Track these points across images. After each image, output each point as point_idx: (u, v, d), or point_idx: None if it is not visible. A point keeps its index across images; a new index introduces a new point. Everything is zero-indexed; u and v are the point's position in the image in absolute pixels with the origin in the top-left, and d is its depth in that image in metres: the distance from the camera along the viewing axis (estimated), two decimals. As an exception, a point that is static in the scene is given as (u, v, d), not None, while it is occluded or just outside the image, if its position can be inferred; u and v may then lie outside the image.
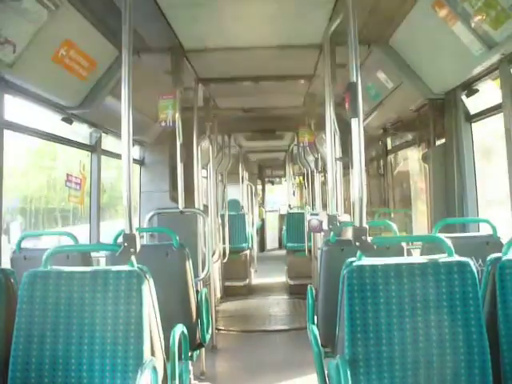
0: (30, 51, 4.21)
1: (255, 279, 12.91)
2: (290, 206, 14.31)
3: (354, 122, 3.21)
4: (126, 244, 3.09)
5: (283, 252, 17.11)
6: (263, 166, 20.93)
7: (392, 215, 8.45)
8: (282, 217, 19.94)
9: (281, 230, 19.27)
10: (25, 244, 4.84)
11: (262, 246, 19.16)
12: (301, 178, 19.14)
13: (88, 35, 4.95)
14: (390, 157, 8.76)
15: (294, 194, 15.62)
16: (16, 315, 2.95)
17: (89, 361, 2.90)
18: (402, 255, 4.50)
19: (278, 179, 23.62)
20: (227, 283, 10.79)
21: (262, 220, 20.05)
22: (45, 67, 4.63)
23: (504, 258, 2.90)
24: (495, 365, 2.79)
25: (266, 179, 22.83)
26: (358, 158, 3.15)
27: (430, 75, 5.64)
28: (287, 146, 13.78)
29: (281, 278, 12.89)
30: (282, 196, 23.62)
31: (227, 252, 10.89)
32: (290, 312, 9.63)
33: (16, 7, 3.80)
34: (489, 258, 3.04)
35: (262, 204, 21.41)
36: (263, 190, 22.34)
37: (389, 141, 8.64)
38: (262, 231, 19.64)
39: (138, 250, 3.10)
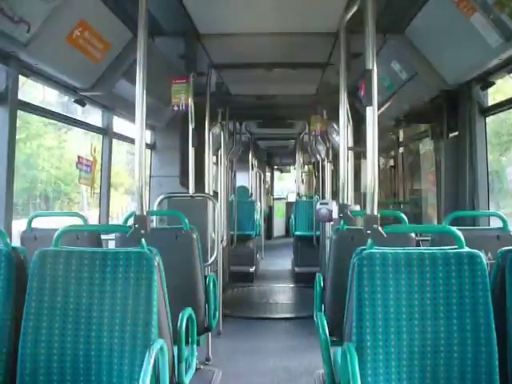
0: (44, 31, 4.20)
1: (261, 266, 12.93)
2: (298, 194, 14.30)
3: (368, 110, 3.20)
4: (136, 225, 3.10)
5: (290, 240, 17.16)
6: (272, 154, 20.91)
7: (402, 207, 8.43)
8: (289, 205, 20.00)
9: (288, 217, 19.32)
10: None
11: (268, 233, 19.17)
12: (310, 166, 19.14)
13: (103, 17, 4.93)
14: (402, 148, 8.71)
15: (302, 182, 15.58)
16: (26, 293, 2.97)
17: (97, 340, 2.92)
18: (413, 246, 4.50)
19: (286, 167, 23.64)
20: (234, 269, 10.82)
21: (270, 207, 20.05)
22: (59, 48, 4.61)
23: None
24: (502, 356, 2.79)
25: (275, 167, 22.83)
26: (372, 146, 3.14)
27: (445, 66, 5.59)
28: (297, 134, 13.74)
29: (287, 266, 12.92)
30: (290, 184, 23.69)
31: (235, 238, 10.90)
32: (296, 300, 9.66)
33: (32, -14, 3.80)
34: (499, 251, 3.03)
35: (270, 191, 21.42)
36: (272, 177, 22.34)
37: (401, 132, 8.59)
38: (269, 219, 19.64)
39: (148, 231, 3.10)
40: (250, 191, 14.13)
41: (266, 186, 20.65)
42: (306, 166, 19.39)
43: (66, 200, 9.05)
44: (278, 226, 20.49)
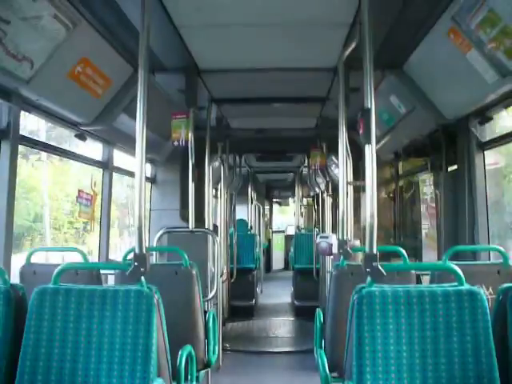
0: (46, 68, 4.26)
1: (261, 300, 12.86)
2: (298, 227, 14.29)
3: (367, 148, 3.22)
4: (136, 263, 3.10)
5: (289, 273, 17.13)
6: (271, 187, 20.96)
7: (401, 239, 8.42)
8: (288, 238, 19.98)
9: (287, 251, 19.28)
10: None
11: (267, 266, 19.09)
12: (309, 199, 19.16)
13: (104, 53, 5.00)
14: (401, 181, 8.73)
15: (302, 216, 15.58)
16: (24, 331, 2.95)
17: (95, 379, 2.90)
18: (413, 281, 4.48)
19: (285, 200, 23.64)
20: (234, 303, 10.76)
21: (269, 240, 20.00)
22: (60, 84, 4.67)
23: None
24: None
25: (274, 200, 22.84)
26: (371, 183, 3.15)
27: (443, 101, 5.64)
28: (296, 167, 13.80)
29: (287, 299, 12.85)
30: (288, 217, 23.66)
31: (235, 272, 10.87)
32: (297, 334, 9.59)
33: (35, 25, 3.85)
34: (500, 287, 3.02)
35: (268, 225, 21.39)
36: (270, 210, 22.32)
37: (400, 165, 8.62)
38: (268, 252, 19.58)
39: (148, 269, 3.10)
40: (250, 224, 14.13)
41: (265, 219, 20.62)
42: (305, 199, 19.39)
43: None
44: (277, 259, 20.42)
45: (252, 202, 14.49)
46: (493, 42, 4.08)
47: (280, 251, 20.61)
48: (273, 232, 21.04)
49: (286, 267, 19.89)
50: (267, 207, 21.66)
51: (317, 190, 11.83)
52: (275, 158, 11.92)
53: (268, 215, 21.85)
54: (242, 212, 14.40)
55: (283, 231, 21.85)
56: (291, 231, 20.35)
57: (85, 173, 7.44)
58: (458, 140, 5.83)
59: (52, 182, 8.90)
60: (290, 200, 23.00)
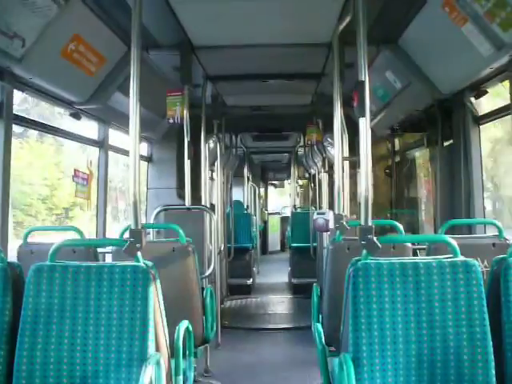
0: (39, 46, 4.22)
1: (258, 280, 12.92)
2: (295, 206, 14.32)
3: (361, 121, 3.22)
4: (131, 239, 3.10)
5: (285, 255, 17.25)
6: (266, 169, 20.98)
7: (398, 215, 8.45)
8: (284, 219, 20.06)
9: (283, 232, 19.38)
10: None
11: (263, 248, 19.13)
12: (304, 181, 19.19)
13: (97, 31, 4.96)
14: (398, 157, 8.74)
15: (297, 196, 15.61)
16: (22, 308, 2.97)
17: (94, 355, 2.92)
18: (409, 255, 4.51)
19: (280, 182, 23.68)
20: (231, 282, 10.81)
21: (265, 222, 20.02)
22: (53, 62, 4.64)
23: (509, 259, 2.90)
24: (498, 365, 2.79)
25: (269, 182, 22.86)
26: (365, 157, 3.15)
27: (439, 76, 5.62)
28: (291, 147, 13.78)
29: (283, 279, 12.93)
30: (284, 199, 23.71)
31: (232, 251, 10.91)
32: (294, 311, 9.66)
33: (25, 1, 3.82)
34: (494, 259, 3.04)
35: (264, 206, 21.41)
36: (266, 192, 22.35)
37: (396, 141, 8.62)
38: (264, 234, 19.61)
39: (143, 245, 3.11)
40: (246, 205, 14.18)
41: (261, 201, 20.65)
42: (300, 180, 19.42)
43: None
44: (273, 241, 20.47)
45: (248, 183, 14.51)
46: (488, 14, 4.06)
47: (276, 233, 20.68)
48: (268, 214, 21.06)
49: (282, 249, 20.03)
50: (262, 189, 21.68)
51: (313, 169, 11.83)
52: (271, 137, 11.89)
53: (263, 197, 21.86)
54: (238, 193, 14.42)
55: (279, 213, 21.90)
56: (287, 213, 20.48)
57: (67, 154, 7.35)
58: (454, 115, 5.83)
59: (26, 164, 8.71)
60: (286, 182, 23.01)
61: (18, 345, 2.93)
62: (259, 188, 19.60)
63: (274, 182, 24.15)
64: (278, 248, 20.34)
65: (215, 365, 6.29)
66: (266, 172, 21.38)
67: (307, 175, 16.12)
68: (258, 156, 16.18)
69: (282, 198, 25.19)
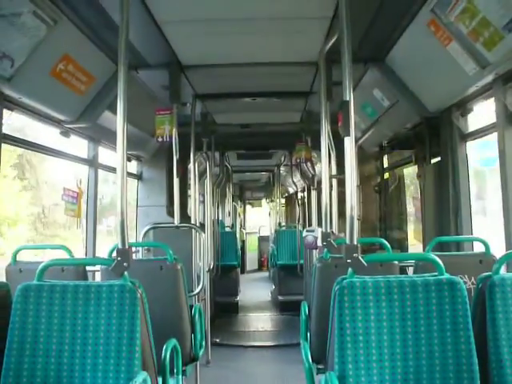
0: (28, 66, 4.25)
1: (241, 298, 12.90)
2: (280, 224, 14.38)
3: (346, 141, 3.24)
4: (119, 258, 3.11)
5: (263, 274, 17.22)
6: (244, 188, 21.04)
7: (387, 232, 8.48)
8: (261, 239, 20.14)
9: (260, 252, 19.44)
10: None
11: (242, 267, 19.10)
12: (283, 199, 19.25)
13: (86, 50, 4.99)
14: (386, 174, 8.78)
15: (276, 214, 15.58)
16: (9, 328, 2.96)
17: (80, 374, 2.92)
18: (396, 273, 4.52)
19: (257, 201, 23.76)
20: (219, 300, 10.81)
21: (243, 241, 19.99)
22: (43, 82, 4.66)
23: (494, 277, 2.92)
24: (484, 382, 2.80)
25: (247, 201, 22.92)
26: (351, 175, 3.18)
27: (426, 94, 5.68)
28: (274, 165, 13.84)
29: (266, 297, 13.13)
30: (261, 218, 23.79)
31: (219, 268, 10.91)
32: (283, 328, 9.66)
33: (15, 22, 3.84)
34: (479, 276, 3.06)
35: (242, 225, 21.41)
36: (244, 211, 22.36)
37: (385, 158, 8.67)
38: (242, 252, 19.58)
39: (130, 264, 3.11)
40: (229, 223, 14.20)
41: (240, 220, 20.68)
42: (279, 199, 19.54)
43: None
44: (251, 260, 20.51)
45: (233, 200, 14.56)
46: (472, 33, 4.12)
47: (254, 252, 20.73)
48: (246, 233, 21.07)
49: (260, 268, 20.11)
50: (241, 208, 21.70)
51: (298, 186, 11.88)
52: (256, 155, 11.94)
53: (242, 216, 21.86)
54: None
55: (256, 233, 21.95)
56: (264, 232, 20.54)
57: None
58: (441, 132, 5.87)
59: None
60: (263, 201, 23.08)
61: (4, 365, 2.92)
62: (238, 206, 19.65)
63: (251, 201, 24.17)
64: (256, 267, 20.41)
65: (205, 382, 6.27)
66: (243, 191, 21.43)
67: (287, 195, 16.14)
68: (237, 175, 16.21)
69: (259, 218, 25.18)
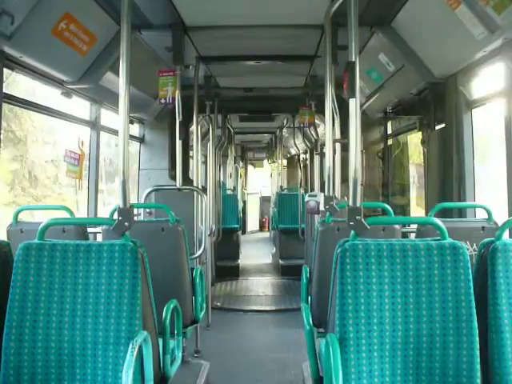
0: (28, 23, 4.19)
1: (241, 261, 12.96)
2: (281, 187, 14.33)
3: (351, 102, 3.21)
4: (120, 218, 3.10)
5: (264, 234, 17.22)
6: (246, 148, 20.97)
7: (390, 198, 8.46)
8: (263, 199, 20.13)
9: (261, 212, 19.39)
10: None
11: (243, 228, 19.18)
12: (285, 161, 19.21)
13: (89, 9, 4.92)
14: (390, 140, 8.73)
15: (279, 175, 15.54)
16: (10, 286, 2.96)
17: (81, 333, 2.93)
18: (399, 238, 4.51)
19: (259, 162, 23.72)
20: (219, 263, 10.85)
21: (244, 202, 20.04)
22: (44, 40, 4.60)
23: (497, 242, 2.91)
24: (483, 347, 2.81)
25: (248, 162, 22.88)
26: (355, 138, 3.14)
27: (432, 59, 5.61)
28: (276, 127, 13.76)
29: (267, 260, 13.13)
30: (263, 179, 23.79)
31: (221, 232, 10.93)
32: (283, 292, 9.69)
33: (15, -22, 3.78)
34: (481, 242, 3.05)
35: (244, 186, 21.43)
36: (246, 172, 22.34)
37: (389, 124, 8.61)
38: (243, 213, 19.66)
39: (132, 224, 3.10)
40: (230, 185, 14.18)
41: (241, 181, 20.68)
42: (281, 162, 19.51)
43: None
44: (252, 221, 20.56)
45: (235, 163, 14.52)
46: (482, -4, 4.05)
47: (255, 213, 20.75)
48: (248, 194, 21.08)
49: (261, 229, 20.15)
50: (242, 169, 21.68)
51: (301, 149, 11.81)
52: (258, 118, 11.87)
53: (243, 177, 21.85)
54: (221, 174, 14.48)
55: (258, 193, 21.97)
56: (265, 193, 20.52)
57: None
58: (447, 98, 5.80)
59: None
60: (265, 162, 23.00)
61: (6, 322, 2.93)
62: (240, 168, 19.62)
63: (253, 162, 24.11)
64: (257, 228, 20.45)
65: (205, 345, 6.32)
66: (245, 152, 21.37)
67: (289, 156, 16.04)
68: (239, 136, 16.16)
69: (260, 178, 25.18)
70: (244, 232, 19.08)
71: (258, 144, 19.21)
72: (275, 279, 10.94)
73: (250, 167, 23.98)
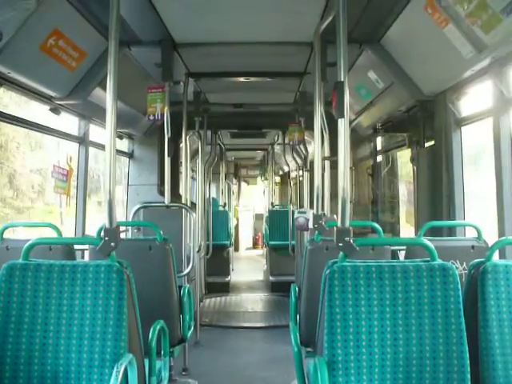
0: (17, 40, 4.17)
1: (233, 277, 12.90)
2: (272, 204, 14.31)
3: (340, 123, 3.19)
4: (106, 238, 3.06)
5: (257, 252, 17.16)
6: (239, 166, 20.97)
7: (379, 215, 8.46)
8: (256, 216, 20.09)
9: (255, 229, 19.36)
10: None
11: (236, 245, 19.09)
12: (277, 178, 19.20)
13: (78, 26, 4.90)
14: (379, 157, 8.74)
15: (274, 193, 15.52)
16: None
17: (65, 355, 2.88)
18: (388, 257, 4.50)
19: (252, 179, 23.72)
20: (209, 279, 10.80)
21: (237, 219, 19.98)
22: (33, 56, 4.57)
23: (487, 263, 2.89)
24: (474, 370, 2.78)
25: (241, 179, 22.89)
26: (343, 158, 3.13)
27: (421, 77, 5.63)
28: (268, 144, 13.77)
29: (259, 277, 13.09)
30: (257, 196, 23.80)
31: (210, 248, 10.88)
32: (273, 309, 9.66)
33: (3, -5, 3.76)
34: (472, 262, 3.03)
35: (236, 203, 21.41)
36: (239, 189, 22.34)
37: (378, 141, 8.63)
38: (236, 230, 19.58)
39: (118, 244, 3.06)
40: (224, 201, 14.17)
41: (234, 198, 20.67)
42: (276, 177, 19.46)
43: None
44: (245, 238, 20.51)
45: (225, 179, 14.51)
46: (470, 16, 4.06)
47: (248, 230, 20.70)
48: (241, 211, 21.05)
49: (254, 246, 20.10)
50: (236, 186, 21.67)
51: (291, 166, 11.82)
52: (249, 134, 11.87)
53: (236, 194, 21.83)
54: (213, 190, 14.43)
55: (251, 210, 21.95)
56: (259, 210, 20.51)
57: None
58: (436, 116, 5.83)
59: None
60: (258, 179, 23.01)
61: None
62: (233, 185, 19.61)
63: (246, 179, 24.11)
64: (251, 245, 20.39)
65: (194, 363, 6.27)
66: (239, 169, 21.37)
67: (282, 173, 16.05)
68: (232, 153, 16.15)
69: (254, 195, 25.16)
70: (237, 249, 19.02)
71: (251, 161, 19.23)
72: (265, 295, 10.90)
73: (243, 184, 23.97)
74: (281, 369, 6.14)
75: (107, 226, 3.09)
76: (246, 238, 20.68)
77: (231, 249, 12.83)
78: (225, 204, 14.02)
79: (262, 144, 13.97)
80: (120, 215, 7.12)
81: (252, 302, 10.16)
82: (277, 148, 13.50)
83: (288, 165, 11.50)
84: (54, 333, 2.90)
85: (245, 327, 8.33)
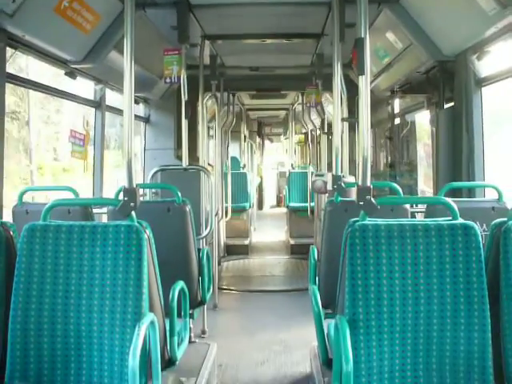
0: (31, 1, 4.11)
1: (255, 238, 12.90)
2: (292, 165, 14.24)
3: (361, 80, 3.14)
4: (125, 198, 3.06)
5: (281, 210, 17.12)
6: (262, 124, 20.81)
7: (397, 178, 8.40)
8: (280, 174, 20.06)
9: (279, 187, 19.35)
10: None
11: (260, 203, 19.16)
12: (301, 136, 19.05)
13: (92, -13, 4.84)
14: (397, 119, 8.65)
15: (295, 153, 15.47)
16: (15, 268, 2.94)
17: (87, 315, 2.90)
18: (408, 218, 4.46)
19: (276, 137, 23.59)
20: (229, 242, 10.82)
21: (261, 178, 20.01)
22: (47, 19, 4.52)
23: (509, 222, 2.85)
24: (495, 327, 2.77)
25: (265, 137, 22.77)
26: (364, 116, 3.08)
27: (441, 36, 5.52)
28: (289, 104, 13.66)
29: (280, 237, 12.96)
30: (280, 154, 23.67)
31: (229, 211, 10.88)
32: (293, 272, 9.66)
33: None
34: (493, 222, 2.99)
35: (260, 162, 21.37)
36: (262, 147, 22.25)
37: (396, 104, 8.53)
38: (260, 189, 19.62)
39: (137, 204, 3.06)
40: (243, 162, 14.11)
41: (257, 157, 20.61)
42: (298, 136, 19.30)
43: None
44: (269, 197, 20.52)
45: (245, 140, 14.44)
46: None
47: (272, 188, 20.70)
48: (265, 169, 21.05)
49: (278, 204, 20.11)
50: (259, 144, 21.60)
51: (311, 127, 11.72)
52: (269, 96, 11.80)
53: (260, 152, 21.78)
54: (234, 149, 14.35)
55: (275, 168, 21.90)
56: (283, 169, 20.45)
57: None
58: (456, 76, 5.72)
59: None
60: (282, 137, 22.87)
61: (12, 305, 2.91)
62: (255, 143, 19.52)
63: (270, 137, 24.00)
64: (274, 203, 20.41)
65: (212, 326, 6.31)
66: (262, 127, 21.26)
67: (305, 131, 15.94)
68: (254, 112, 16.07)
69: (277, 155, 25.08)
70: (261, 208, 19.09)
71: (274, 119, 19.09)
72: (285, 258, 10.90)
73: (267, 142, 23.85)
74: (299, 331, 6.18)
75: (126, 186, 3.09)
76: (270, 195, 20.68)
77: (250, 210, 12.76)
78: (244, 165, 13.93)
79: (283, 104, 13.87)
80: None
81: (271, 266, 10.16)
82: (298, 108, 13.39)
83: (309, 124, 11.39)
84: (75, 293, 2.92)
85: (263, 291, 8.36)
